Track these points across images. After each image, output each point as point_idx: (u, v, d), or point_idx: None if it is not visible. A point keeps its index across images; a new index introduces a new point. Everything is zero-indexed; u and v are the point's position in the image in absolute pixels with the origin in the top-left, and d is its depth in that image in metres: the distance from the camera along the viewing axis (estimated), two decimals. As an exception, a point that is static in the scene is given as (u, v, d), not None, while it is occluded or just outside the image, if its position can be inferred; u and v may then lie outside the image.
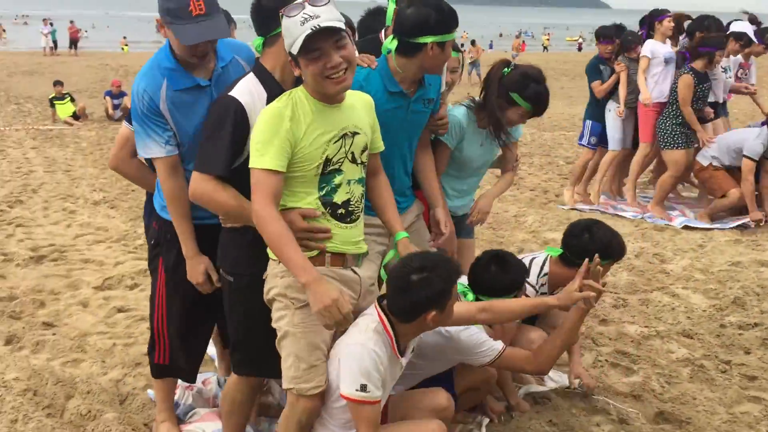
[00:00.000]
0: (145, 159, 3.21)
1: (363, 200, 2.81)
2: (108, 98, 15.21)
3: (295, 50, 2.49)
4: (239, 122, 2.67)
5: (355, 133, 2.69)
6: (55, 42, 34.95)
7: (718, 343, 4.55)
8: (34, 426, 3.51)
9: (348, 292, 2.74)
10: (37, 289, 5.48)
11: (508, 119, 3.63)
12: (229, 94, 2.72)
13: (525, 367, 3.28)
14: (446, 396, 3.05)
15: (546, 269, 3.79)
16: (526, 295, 3.58)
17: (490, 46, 51.05)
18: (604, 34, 7.94)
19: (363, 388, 2.58)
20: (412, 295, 2.63)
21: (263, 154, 2.53)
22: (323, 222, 2.67)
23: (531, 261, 3.85)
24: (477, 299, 3.30)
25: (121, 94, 14.96)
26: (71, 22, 38.80)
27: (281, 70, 2.76)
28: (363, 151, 2.74)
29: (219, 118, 2.70)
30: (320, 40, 2.47)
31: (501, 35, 68.39)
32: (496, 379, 3.56)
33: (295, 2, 2.50)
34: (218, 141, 2.69)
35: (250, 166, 2.56)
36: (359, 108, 2.76)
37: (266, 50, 2.81)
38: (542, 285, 3.79)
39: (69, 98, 14.99)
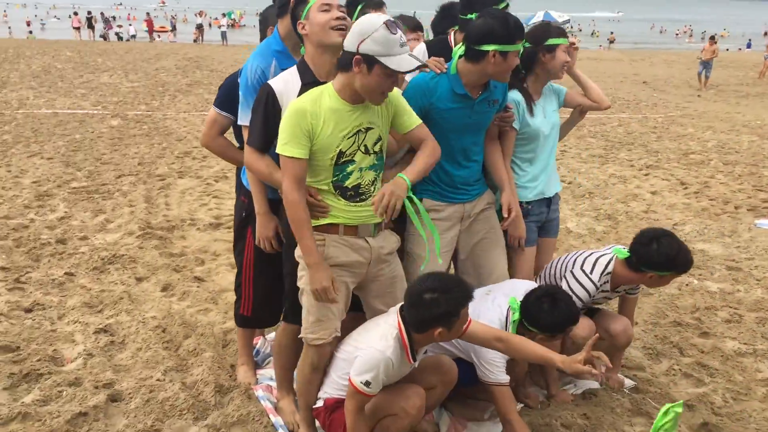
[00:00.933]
0: (236, 138, 3.84)
1: (376, 183, 3.19)
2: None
3: (392, 65, 2.85)
4: (270, 104, 3.22)
5: (368, 129, 3.08)
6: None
7: (818, 370, 4.26)
8: (151, 354, 4.33)
9: (356, 257, 3.17)
10: (203, 249, 6.44)
11: (558, 60, 3.90)
12: (268, 81, 3.29)
13: (502, 412, 3.40)
14: (448, 361, 3.34)
15: (610, 268, 3.85)
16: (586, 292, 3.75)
17: (748, 45, 47.01)
18: None
19: (367, 384, 2.99)
20: (421, 312, 2.95)
21: (285, 143, 3.01)
22: (331, 200, 3.11)
23: (597, 259, 3.91)
24: (521, 322, 3.48)
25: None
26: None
27: (313, 64, 3.28)
28: (376, 143, 3.12)
29: (257, 101, 3.30)
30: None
31: (766, 33, 62.51)
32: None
33: (390, 18, 2.93)
34: (255, 120, 3.28)
35: (277, 151, 3.07)
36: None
37: (306, 51, 3.34)
38: (604, 283, 3.85)
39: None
